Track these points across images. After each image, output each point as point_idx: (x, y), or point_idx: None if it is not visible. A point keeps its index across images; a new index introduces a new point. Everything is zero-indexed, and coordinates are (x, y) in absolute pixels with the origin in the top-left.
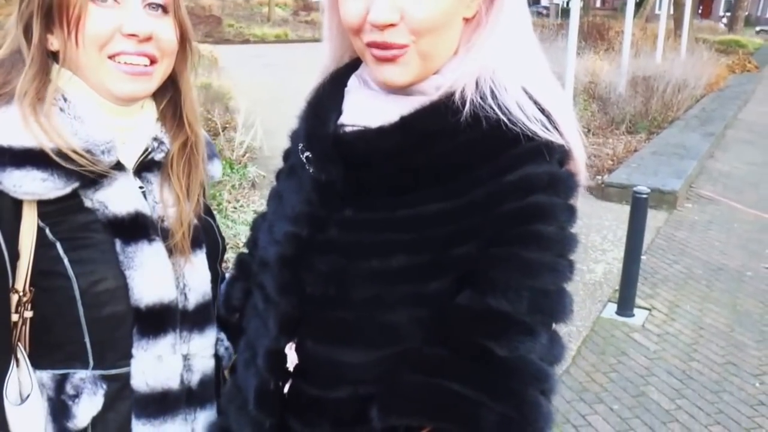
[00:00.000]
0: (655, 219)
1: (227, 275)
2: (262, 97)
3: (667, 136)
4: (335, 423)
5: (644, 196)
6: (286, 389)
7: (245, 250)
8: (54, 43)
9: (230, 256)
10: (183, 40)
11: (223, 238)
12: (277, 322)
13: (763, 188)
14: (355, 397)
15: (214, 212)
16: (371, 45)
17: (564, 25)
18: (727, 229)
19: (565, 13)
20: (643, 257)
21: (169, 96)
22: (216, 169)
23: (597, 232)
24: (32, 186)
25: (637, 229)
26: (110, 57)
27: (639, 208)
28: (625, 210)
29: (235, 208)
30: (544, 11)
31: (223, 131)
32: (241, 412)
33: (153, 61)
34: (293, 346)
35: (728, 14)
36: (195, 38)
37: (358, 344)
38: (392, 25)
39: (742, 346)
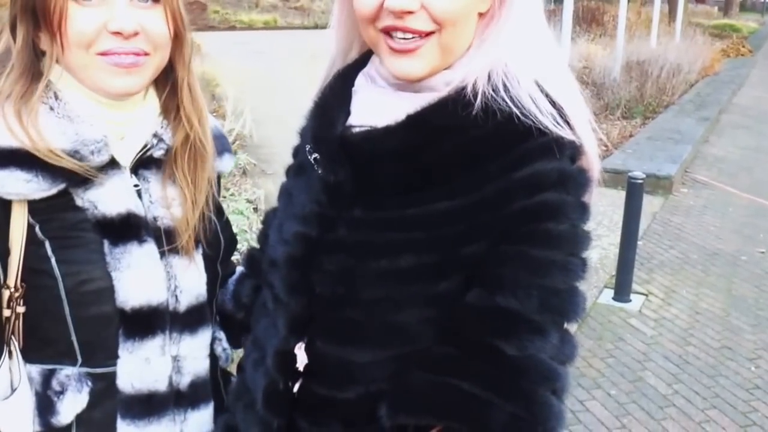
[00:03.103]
0: (651, 204)
1: (237, 270)
2: (250, 84)
3: (662, 121)
4: (345, 423)
5: (639, 181)
6: (295, 389)
7: (256, 245)
8: (44, 40)
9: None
10: (177, 31)
11: (231, 236)
12: (287, 322)
13: (757, 172)
14: (365, 396)
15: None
16: (388, 29)
17: (558, 10)
18: (722, 213)
19: None
20: (639, 242)
21: (168, 89)
22: (226, 164)
23: (592, 217)
24: (15, 187)
25: (633, 215)
26: (99, 54)
27: (634, 193)
28: (620, 195)
29: (225, 197)
30: None
31: None
32: (248, 411)
33: (145, 54)
34: (303, 346)
35: None
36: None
37: (367, 344)
38: (410, 12)
39: (738, 330)
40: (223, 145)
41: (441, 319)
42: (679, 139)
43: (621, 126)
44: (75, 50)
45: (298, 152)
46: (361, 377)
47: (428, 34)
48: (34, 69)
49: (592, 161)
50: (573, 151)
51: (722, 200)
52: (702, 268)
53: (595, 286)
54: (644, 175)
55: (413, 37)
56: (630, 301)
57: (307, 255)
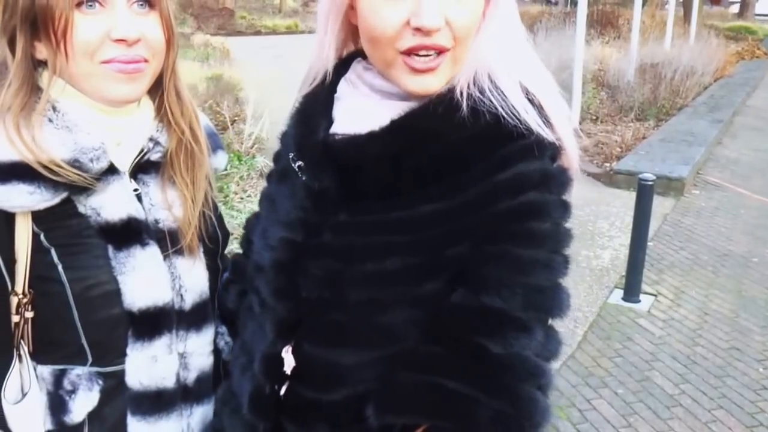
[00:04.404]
0: (662, 206)
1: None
2: (271, 87)
3: (676, 123)
4: (331, 424)
5: (650, 183)
6: (282, 392)
7: (240, 250)
8: (42, 51)
9: (235, 247)
10: (169, 37)
11: (225, 231)
12: (274, 326)
13: None
14: (351, 397)
15: (220, 204)
16: (413, 50)
17: (573, 13)
18: (734, 215)
19: (575, 1)
20: (650, 243)
21: (159, 93)
22: (220, 161)
23: (605, 218)
24: (19, 200)
25: (643, 216)
26: (102, 62)
27: (645, 194)
28: (632, 197)
29: (242, 198)
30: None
31: (232, 124)
32: (234, 416)
33: (145, 61)
34: (290, 349)
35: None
36: (208, 31)
37: (354, 346)
38: (438, 29)
39: (747, 331)
40: (215, 143)
41: (426, 319)
42: (692, 141)
43: (634, 128)
44: (80, 59)
45: (279, 158)
46: (348, 379)
47: (446, 50)
48: (32, 80)
49: (572, 159)
50: (553, 150)
51: (734, 202)
52: (712, 269)
53: (606, 287)
54: (654, 177)
55: (432, 55)
56: (639, 301)
57: (293, 260)
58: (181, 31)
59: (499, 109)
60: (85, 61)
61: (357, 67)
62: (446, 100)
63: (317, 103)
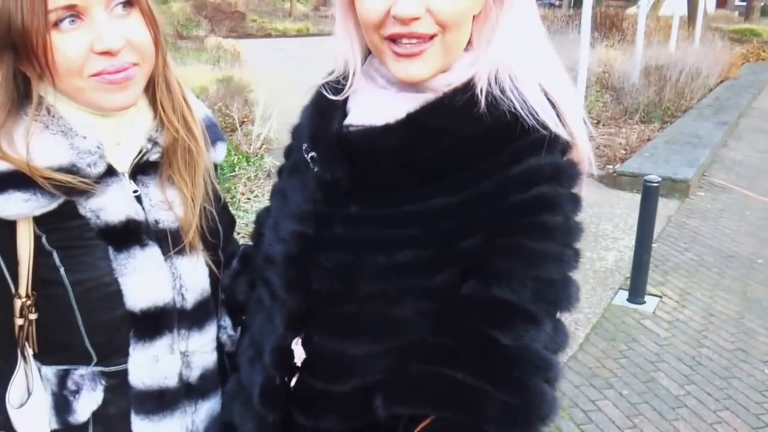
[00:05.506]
0: (667, 207)
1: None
2: (280, 89)
3: (681, 125)
4: (341, 414)
5: (655, 184)
6: (292, 383)
7: (250, 243)
8: (31, 69)
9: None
10: (155, 33)
11: (231, 219)
12: (284, 318)
13: None
14: (361, 389)
15: (227, 203)
16: (394, 37)
17: (576, 15)
18: (739, 216)
19: (578, 3)
20: (654, 245)
21: (150, 91)
22: (218, 153)
23: (608, 220)
24: (15, 208)
25: (647, 218)
26: (92, 76)
27: (649, 196)
28: (636, 198)
29: (249, 198)
30: (557, 2)
31: (240, 126)
32: (245, 407)
33: (134, 65)
34: (300, 341)
35: (744, 3)
36: (220, 33)
37: (364, 337)
38: (416, 18)
39: (752, 332)
40: (215, 135)
41: (436, 311)
42: (697, 143)
43: (639, 130)
44: (67, 78)
45: (291, 152)
46: (358, 370)
47: (431, 37)
48: (14, 101)
49: (583, 155)
50: (564, 145)
51: (739, 203)
52: (717, 270)
53: (610, 288)
54: (659, 179)
55: (417, 41)
56: (644, 302)
57: (304, 252)
58: (195, 34)
59: (518, 107)
60: (73, 78)
61: (374, 60)
62: (464, 95)
63: (333, 95)
